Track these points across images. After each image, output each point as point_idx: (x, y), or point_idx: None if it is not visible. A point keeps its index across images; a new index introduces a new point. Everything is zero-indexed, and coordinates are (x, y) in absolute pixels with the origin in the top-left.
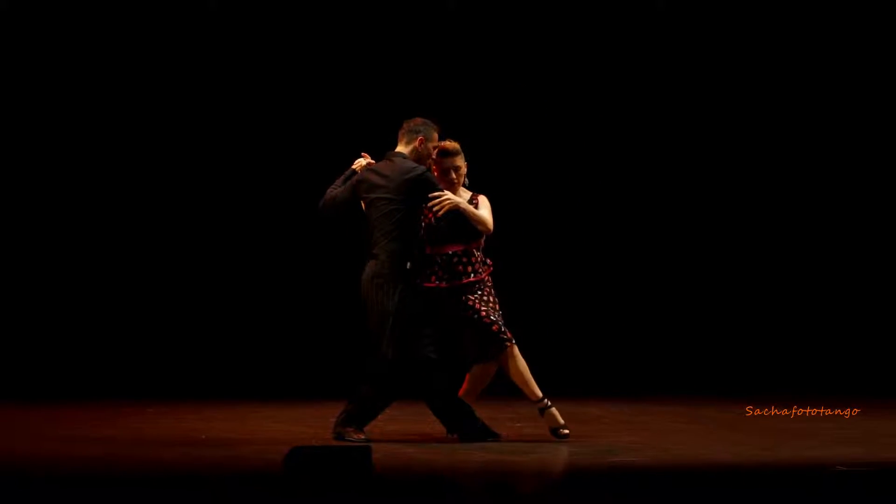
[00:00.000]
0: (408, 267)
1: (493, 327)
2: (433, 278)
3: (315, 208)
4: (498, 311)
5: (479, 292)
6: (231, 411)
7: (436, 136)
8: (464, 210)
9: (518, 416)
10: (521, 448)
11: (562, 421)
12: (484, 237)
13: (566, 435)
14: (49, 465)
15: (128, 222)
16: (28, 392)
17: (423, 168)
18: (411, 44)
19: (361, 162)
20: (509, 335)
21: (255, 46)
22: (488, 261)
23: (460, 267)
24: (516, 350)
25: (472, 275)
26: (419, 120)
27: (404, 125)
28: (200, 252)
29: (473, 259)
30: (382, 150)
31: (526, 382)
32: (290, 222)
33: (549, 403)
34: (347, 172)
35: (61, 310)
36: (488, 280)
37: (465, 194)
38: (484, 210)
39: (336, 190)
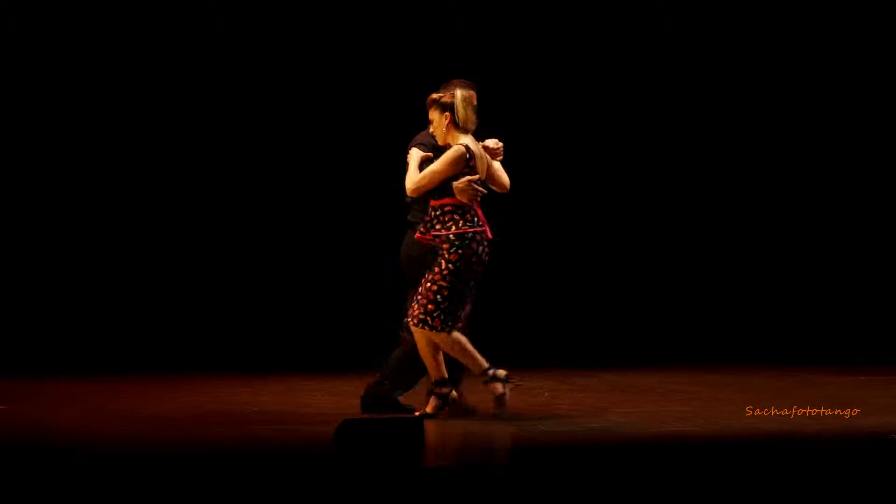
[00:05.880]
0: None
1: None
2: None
3: None
4: None
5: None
6: (280, 384)
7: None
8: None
9: (575, 386)
10: (572, 420)
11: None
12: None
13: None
14: (101, 440)
15: (179, 196)
16: (83, 367)
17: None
18: (412, 43)
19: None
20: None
21: (257, 39)
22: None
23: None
24: None
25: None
26: (453, 82)
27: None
28: (249, 225)
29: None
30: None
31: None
32: (338, 192)
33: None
34: None
35: (117, 286)
36: None
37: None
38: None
39: None
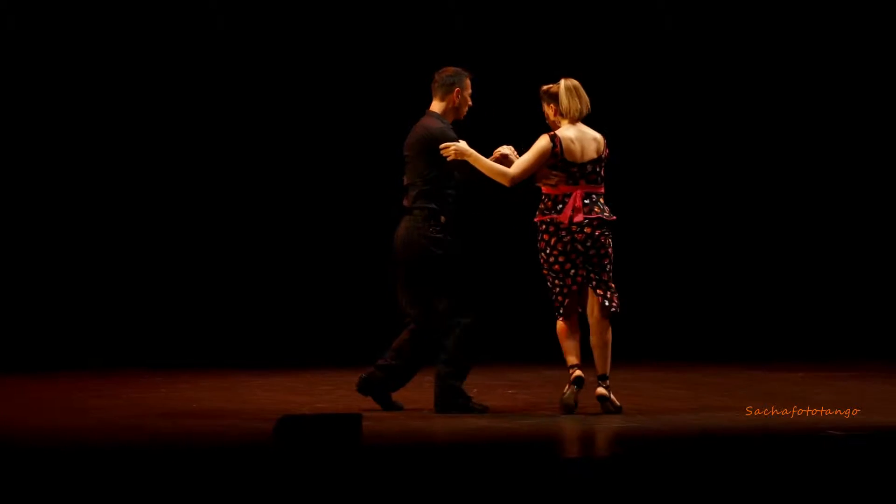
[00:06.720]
0: (442, 221)
1: None
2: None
3: None
4: None
5: None
6: (222, 380)
7: (468, 83)
8: (473, 161)
9: (512, 383)
10: (514, 416)
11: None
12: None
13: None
14: (41, 434)
15: (128, 193)
16: (24, 363)
17: (436, 128)
18: (414, 45)
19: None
20: None
21: (257, 39)
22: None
23: None
24: None
25: None
26: (451, 70)
27: (436, 78)
28: (193, 223)
29: None
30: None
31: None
32: (279, 192)
33: None
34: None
35: (59, 281)
36: None
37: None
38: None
39: None
